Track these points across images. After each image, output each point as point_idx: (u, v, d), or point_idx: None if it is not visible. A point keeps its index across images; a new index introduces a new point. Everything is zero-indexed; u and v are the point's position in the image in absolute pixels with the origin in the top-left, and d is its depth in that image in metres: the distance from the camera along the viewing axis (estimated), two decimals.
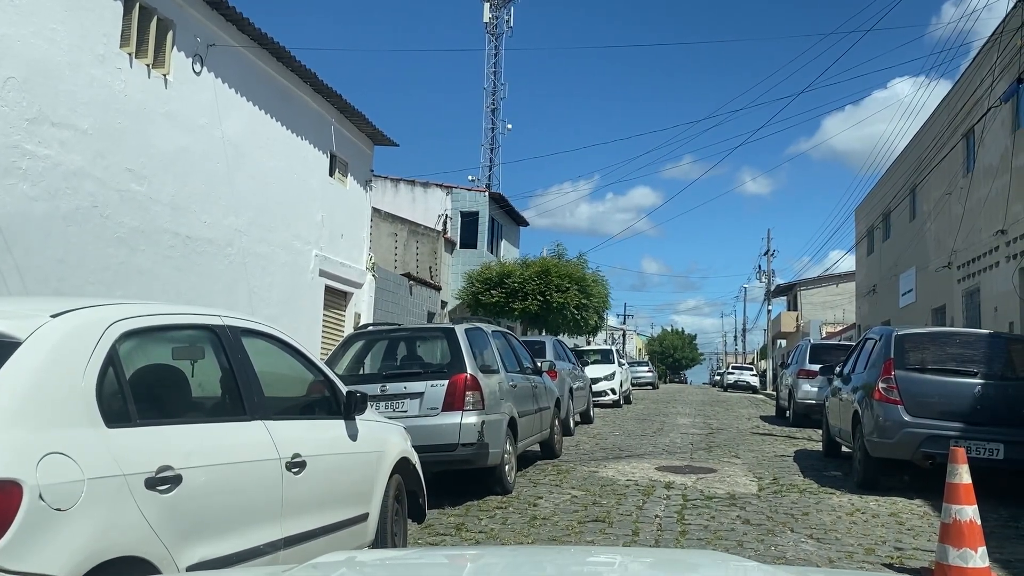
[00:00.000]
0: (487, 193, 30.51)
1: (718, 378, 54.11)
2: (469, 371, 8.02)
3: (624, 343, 70.21)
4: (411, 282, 22.93)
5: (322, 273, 16.36)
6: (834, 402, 11.05)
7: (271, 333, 4.59)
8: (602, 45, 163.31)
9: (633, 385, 28.42)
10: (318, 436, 4.60)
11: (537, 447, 10.78)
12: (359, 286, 18.31)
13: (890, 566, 5.84)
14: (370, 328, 9.95)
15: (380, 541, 5.09)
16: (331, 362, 8.38)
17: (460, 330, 8.52)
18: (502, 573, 2.22)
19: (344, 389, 4.94)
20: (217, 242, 12.73)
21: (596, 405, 17.96)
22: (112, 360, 3.29)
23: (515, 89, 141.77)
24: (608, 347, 26.72)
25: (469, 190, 30.66)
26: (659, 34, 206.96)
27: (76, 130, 9.72)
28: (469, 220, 29.54)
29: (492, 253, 30.12)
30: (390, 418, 6.39)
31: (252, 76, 13.56)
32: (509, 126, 45.15)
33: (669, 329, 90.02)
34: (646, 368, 39.26)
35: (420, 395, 7.92)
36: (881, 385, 8.67)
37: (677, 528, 6.87)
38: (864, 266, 29.04)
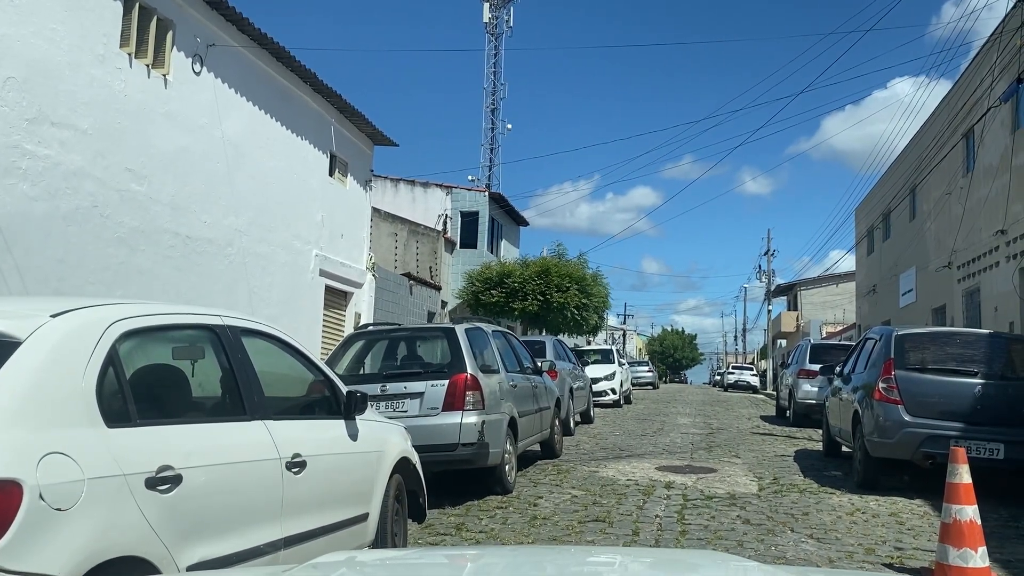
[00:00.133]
0: (487, 193, 30.51)
1: (718, 378, 54.10)
2: (469, 371, 8.02)
3: (624, 343, 70.21)
4: (411, 282, 22.93)
5: (322, 273, 16.36)
6: (834, 402, 11.05)
7: (271, 333, 4.59)
8: (602, 45, 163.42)
9: (633, 385, 28.42)
10: (318, 436, 4.60)
11: (537, 447, 10.78)
12: (359, 286, 18.31)
13: (890, 566, 5.84)
14: (370, 328, 9.95)
15: (380, 541, 5.08)
16: (331, 362, 8.37)
17: (460, 330, 8.52)
18: (502, 573, 2.22)
19: (344, 389, 4.94)
20: (217, 242, 12.73)
21: (596, 405, 17.96)
22: (112, 360, 3.29)
23: (515, 89, 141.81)
24: (608, 347, 26.72)
25: (469, 190, 30.66)
26: (659, 34, 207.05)
27: (76, 130, 9.72)
28: (469, 220, 29.54)
29: (492, 253, 30.12)
30: (390, 418, 6.39)
31: (252, 76, 13.56)
32: (509, 126, 45.19)
33: (669, 329, 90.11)
34: (646, 368, 39.25)
35: (420, 395, 7.92)
36: (881, 385, 8.67)
37: (677, 528, 6.87)
38: (864, 266, 29.04)
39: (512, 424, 8.82)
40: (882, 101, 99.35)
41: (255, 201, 13.76)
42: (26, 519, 2.68)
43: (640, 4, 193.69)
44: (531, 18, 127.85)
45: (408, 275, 23.27)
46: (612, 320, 64.03)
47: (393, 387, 8.00)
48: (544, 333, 24.26)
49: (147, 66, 11.05)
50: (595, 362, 21.40)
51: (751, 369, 48.32)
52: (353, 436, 4.89)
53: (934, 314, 19.58)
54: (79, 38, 9.75)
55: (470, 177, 36.15)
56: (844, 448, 10.78)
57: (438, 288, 25.97)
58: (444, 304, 26.77)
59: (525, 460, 10.33)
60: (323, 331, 16.50)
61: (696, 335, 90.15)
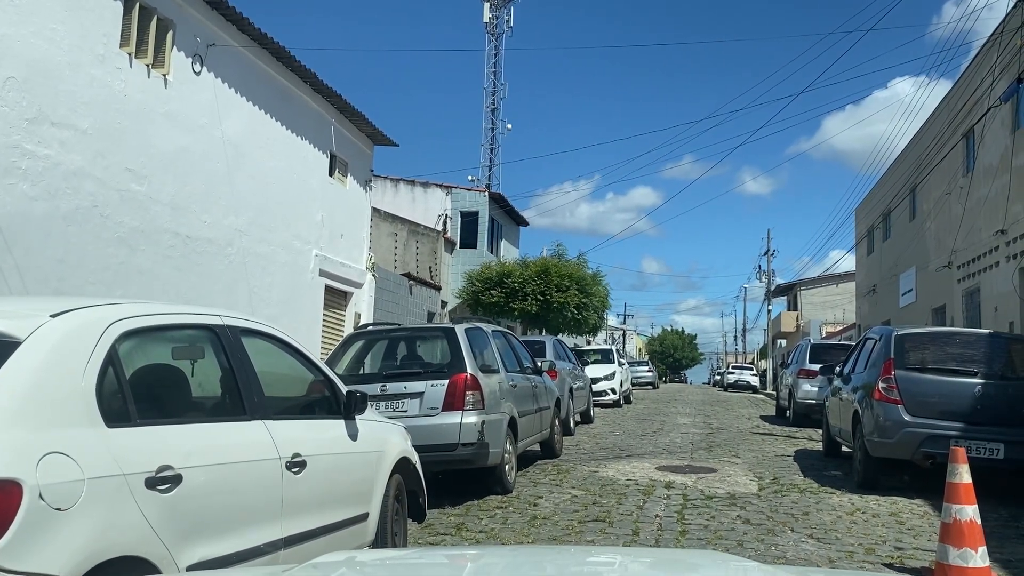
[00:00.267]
0: (487, 193, 30.51)
1: (718, 378, 54.10)
2: (469, 371, 8.02)
3: (624, 343, 70.21)
4: (411, 282, 22.93)
5: (322, 273, 16.36)
6: (834, 402, 11.05)
7: (271, 333, 4.59)
8: (602, 45, 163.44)
9: (633, 385, 28.42)
10: (318, 436, 4.60)
11: (537, 447, 10.78)
12: (359, 286, 18.31)
13: (890, 566, 5.84)
14: (370, 328, 9.95)
15: (380, 541, 5.08)
16: (331, 362, 8.37)
17: (460, 330, 8.52)
18: (502, 573, 2.22)
19: (344, 389, 4.94)
20: (217, 242, 12.73)
21: (596, 405, 17.96)
22: (112, 360, 3.29)
23: (515, 89, 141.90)
24: (608, 347, 26.72)
25: (469, 190, 30.66)
26: (659, 34, 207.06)
27: (76, 130, 9.72)
28: (469, 220, 29.55)
29: (492, 253, 30.12)
30: (390, 418, 6.39)
31: (252, 76, 13.56)
32: (509, 126, 45.17)
33: (669, 329, 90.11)
34: (646, 368, 39.26)
35: (420, 395, 7.92)
36: (881, 385, 8.67)
37: (677, 528, 6.87)
38: (864, 266, 29.04)
39: (512, 424, 8.82)
40: (882, 101, 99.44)
41: (255, 201, 13.76)
42: (26, 519, 2.68)
43: (640, 4, 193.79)
44: (531, 18, 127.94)
45: (408, 275, 23.27)
46: (612, 320, 64.02)
47: (393, 387, 8.00)
48: (544, 333, 24.26)
49: (147, 66, 11.05)
50: (595, 362, 21.40)
51: (751, 369, 48.31)
52: (353, 436, 4.89)
53: (934, 314, 19.58)
54: (79, 38, 9.75)
55: (470, 177, 36.20)
56: (844, 448, 10.77)
57: (438, 288, 25.97)
58: (444, 304, 26.77)
59: (525, 460, 10.33)
60: (323, 331, 16.50)
61: (696, 335, 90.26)
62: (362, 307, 18.39)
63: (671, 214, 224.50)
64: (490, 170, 37.34)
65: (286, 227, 14.88)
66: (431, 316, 24.49)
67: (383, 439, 5.31)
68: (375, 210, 21.50)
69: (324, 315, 16.67)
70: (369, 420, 5.17)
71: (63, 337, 3.17)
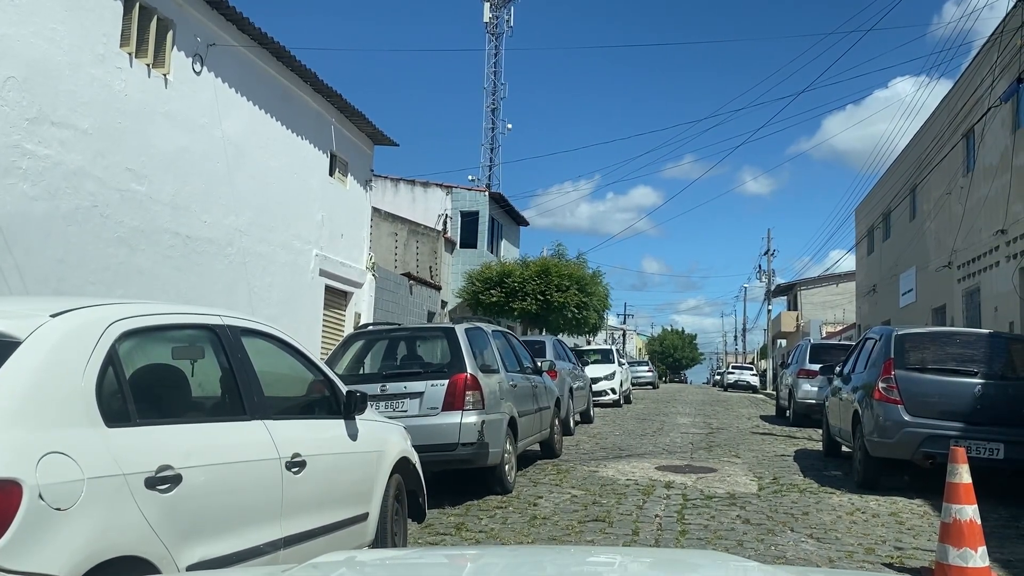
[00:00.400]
0: (487, 193, 30.51)
1: (718, 378, 54.10)
2: (469, 371, 8.02)
3: (624, 343, 70.21)
4: (411, 282, 22.93)
5: (322, 273, 16.36)
6: (834, 402, 11.05)
7: (271, 333, 4.59)
8: (602, 45, 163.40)
9: (633, 385, 28.42)
10: (318, 436, 4.60)
11: (537, 447, 10.78)
12: (359, 286, 18.31)
13: (890, 566, 5.84)
14: (370, 328, 9.94)
15: (380, 541, 5.08)
16: (331, 362, 8.37)
17: (460, 330, 8.52)
18: (502, 573, 2.22)
19: (344, 389, 4.94)
20: (217, 242, 12.73)
21: (596, 405, 17.96)
22: (112, 360, 3.29)
23: (515, 89, 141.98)
24: (608, 347, 26.72)
25: (469, 190, 30.66)
26: (659, 34, 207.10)
27: (76, 130, 9.72)
28: (469, 220, 29.54)
29: (492, 253, 30.12)
30: (390, 418, 6.38)
31: (252, 76, 13.56)
32: (509, 126, 45.14)
33: (669, 329, 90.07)
34: (646, 368, 39.26)
35: (420, 395, 7.92)
36: (881, 385, 8.67)
37: (677, 528, 6.87)
38: (864, 266, 29.04)
39: (512, 424, 8.82)
40: (883, 101, 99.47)
41: (255, 201, 13.76)
42: (26, 519, 2.68)
43: (640, 4, 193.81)
44: (531, 18, 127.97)
45: (408, 275, 23.27)
46: (612, 320, 64.02)
47: (393, 387, 7.99)
48: (544, 333, 24.26)
49: (147, 66, 11.05)
50: (595, 362, 21.40)
51: (751, 369, 48.31)
52: (353, 436, 4.89)
53: (934, 314, 19.58)
54: (79, 38, 9.75)
55: (470, 177, 36.19)
56: (844, 448, 10.77)
57: (438, 288, 25.97)
58: (444, 304, 26.77)
59: (525, 460, 10.33)
60: (323, 331, 16.50)
61: (696, 335, 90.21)
62: (362, 307, 18.39)
63: (671, 214, 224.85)
64: (490, 170, 37.36)
65: (286, 227, 14.87)
66: (431, 316, 24.49)
67: (383, 439, 5.31)
68: (375, 210, 21.50)
69: (324, 315, 16.67)
70: (369, 420, 5.17)
71: (63, 337, 3.17)
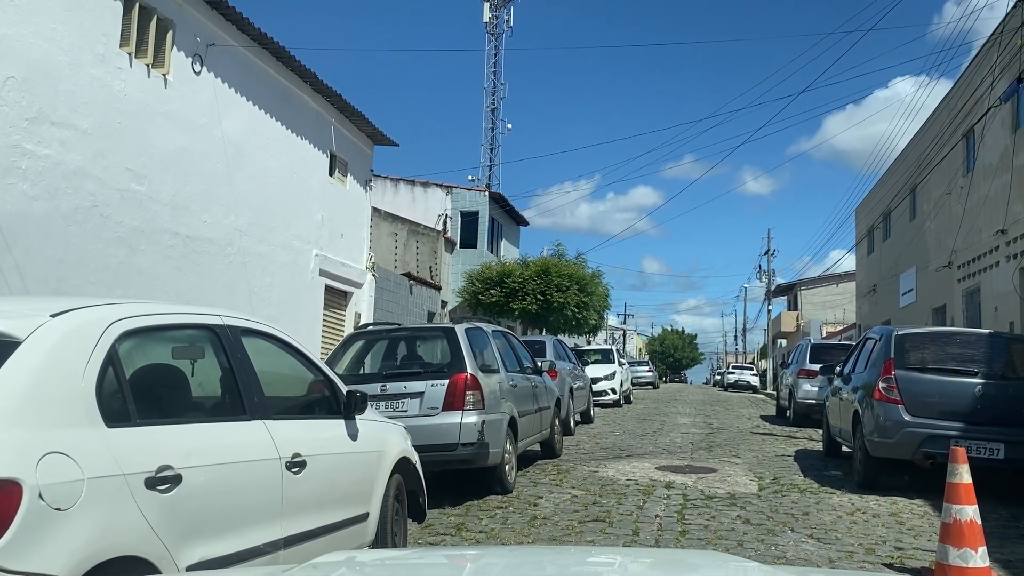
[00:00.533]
0: (487, 193, 30.50)
1: (718, 378, 54.10)
2: (469, 371, 8.02)
3: (624, 343, 70.20)
4: (411, 282, 22.93)
5: (322, 273, 16.36)
6: (834, 402, 11.05)
7: (271, 333, 4.59)
8: (602, 45, 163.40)
9: (633, 385, 28.42)
10: (318, 436, 4.59)
11: (537, 447, 10.77)
12: (359, 286, 18.31)
13: (890, 566, 5.84)
14: (370, 328, 9.94)
15: (380, 541, 5.08)
16: (331, 362, 8.37)
17: (460, 330, 8.52)
18: (502, 573, 2.22)
19: (344, 389, 4.94)
20: (217, 242, 12.73)
21: (596, 405, 17.96)
22: (112, 360, 3.29)
23: (515, 89, 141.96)
24: (608, 347, 26.72)
25: (469, 190, 30.65)
26: (659, 34, 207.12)
27: (76, 130, 9.72)
28: (469, 220, 29.54)
29: (492, 253, 30.12)
30: (390, 418, 6.38)
31: (252, 76, 13.56)
32: (509, 126, 45.16)
33: (669, 329, 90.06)
34: (646, 368, 39.26)
35: (420, 395, 7.92)
36: (881, 385, 8.67)
37: (677, 528, 6.86)
38: (864, 266, 29.04)
39: (512, 424, 8.81)
40: (883, 101, 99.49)
41: (255, 201, 13.76)
42: (26, 519, 2.68)
43: (640, 4, 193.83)
44: (531, 18, 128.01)
45: (408, 275, 23.27)
46: (612, 320, 64.02)
47: (393, 387, 7.99)
48: (544, 333, 24.26)
49: (147, 66, 11.05)
50: (595, 362, 21.40)
51: (751, 369, 48.32)
52: (353, 436, 4.89)
53: (934, 314, 19.58)
54: (79, 38, 9.75)
55: (470, 177, 36.18)
56: (844, 448, 10.77)
57: (438, 288, 25.97)
58: (444, 304, 26.77)
59: (525, 460, 10.33)
60: (323, 331, 16.50)
61: (696, 335, 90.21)
62: (362, 307, 18.39)
63: (672, 214, 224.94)
64: (490, 170, 37.34)
65: (286, 227, 14.87)
66: (431, 316, 24.48)
67: (383, 439, 5.31)
68: (375, 210, 21.50)
69: (324, 315, 16.67)
70: (369, 420, 5.17)
71: (63, 337, 3.17)
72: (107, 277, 10.25)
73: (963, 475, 5.07)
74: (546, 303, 24.93)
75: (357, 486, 4.88)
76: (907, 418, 8.40)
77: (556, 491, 8.53)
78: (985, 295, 16.08)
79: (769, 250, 49.68)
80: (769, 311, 51.08)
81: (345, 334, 15.49)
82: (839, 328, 39.56)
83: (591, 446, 12.50)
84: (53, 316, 3.22)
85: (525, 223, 35.55)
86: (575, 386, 14.54)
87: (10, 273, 8.67)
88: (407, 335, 9.44)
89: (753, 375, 45.09)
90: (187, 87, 11.90)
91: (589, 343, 35.61)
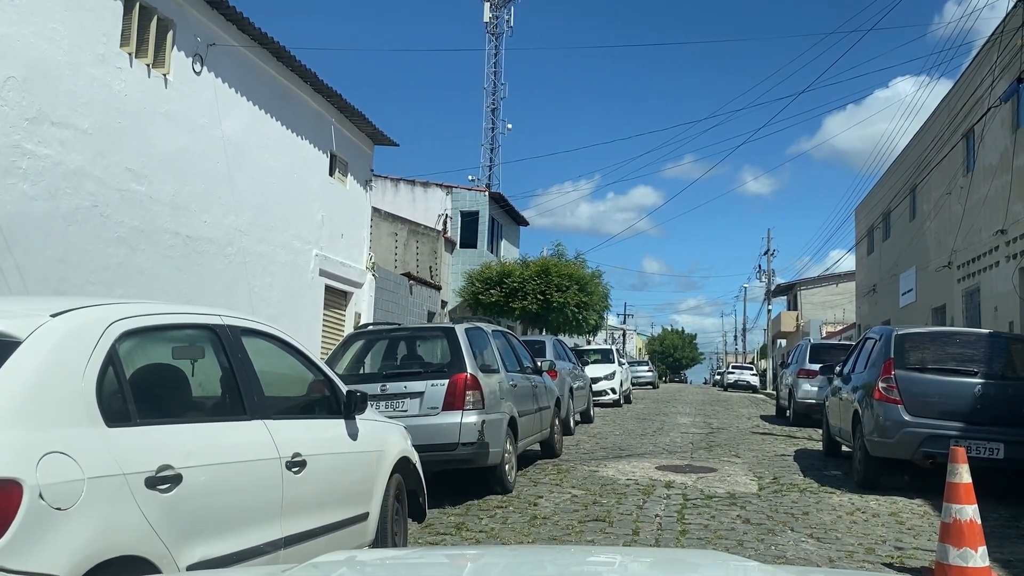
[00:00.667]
0: (487, 193, 30.50)
1: (718, 377, 54.10)
2: (469, 371, 8.02)
3: (624, 343, 70.20)
4: (411, 282, 22.93)
5: (322, 273, 16.36)
6: (834, 402, 11.05)
7: (271, 333, 4.59)
8: (602, 45, 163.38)
9: (633, 385, 28.43)
10: (318, 435, 4.60)
11: (537, 446, 10.78)
12: (359, 286, 18.31)
13: (890, 566, 5.84)
14: (370, 328, 9.94)
15: (380, 541, 5.08)
16: (331, 362, 8.37)
17: (460, 330, 8.52)
18: (502, 573, 2.22)
19: (344, 388, 4.94)
20: (217, 242, 12.73)
21: (596, 404, 17.96)
22: (112, 360, 3.29)
23: (515, 89, 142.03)
24: (608, 347, 26.73)
25: (469, 190, 30.65)
26: (659, 34, 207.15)
27: (76, 130, 9.72)
28: (469, 220, 29.54)
29: (492, 253, 30.12)
30: (390, 417, 6.38)
31: (252, 76, 13.56)
32: (509, 126, 45.12)
33: (669, 329, 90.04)
34: (646, 368, 39.28)
35: (420, 394, 7.92)
36: (881, 385, 8.67)
37: (677, 528, 6.87)
38: (864, 266, 29.04)
39: (512, 424, 8.82)
40: (883, 101, 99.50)
41: (255, 201, 13.76)
42: (26, 518, 2.68)
43: (640, 4, 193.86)
44: (531, 18, 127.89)
45: (408, 275, 23.27)
46: (612, 320, 64.01)
47: (393, 387, 8.00)
48: (544, 333, 24.26)
49: (147, 66, 11.05)
50: (595, 362, 21.40)
51: (751, 369, 48.31)
52: (353, 436, 4.89)
53: (934, 314, 19.58)
54: (79, 38, 9.75)
55: (470, 177, 36.18)
56: (844, 448, 10.77)
57: (438, 288, 25.97)
58: (444, 304, 26.77)
59: (525, 460, 10.33)
60: (323, 331, 16.50)
61: (696, 335, 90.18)
62: (362, 307, 18.39)
63: (672, 214, 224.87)
64: (490, 170, 37.34)
65: (286, 227, 14.87)
66: (431, 316, 24.48)
67: (383, 439, 5.31)
68: (375, 210, 21.50)
69: (324, 315, 16.67)
70: (369, 420, 5.17)
71: (63, 337, 3.17)
72: (107, 277, 10.25)
73: (963, 475, 5.08)
74: (546, 303, 24.93)
75: (357, 486, 4.88)
76: (907, 418, 8.40)
77: (556, 491, 8.54)
78: (985, 295, 16.08)
79: (769, 250, 49.74)
80: (769, 311, 51.10)
81: (345, 334, 15.49)
82: (839, 328, 39.55)
83: (591, 446, 12.50)
84: (53, 316, 3.22)
85: (525, 223, 35.56)
86: (575, 386, 14.54)
87: (10, 273, 8.67)
88: (407, 335, 9.44)
89: (753, 375, 45.09)
90: (187, 87, 11.90)
91: (589, 343, 35.60)
